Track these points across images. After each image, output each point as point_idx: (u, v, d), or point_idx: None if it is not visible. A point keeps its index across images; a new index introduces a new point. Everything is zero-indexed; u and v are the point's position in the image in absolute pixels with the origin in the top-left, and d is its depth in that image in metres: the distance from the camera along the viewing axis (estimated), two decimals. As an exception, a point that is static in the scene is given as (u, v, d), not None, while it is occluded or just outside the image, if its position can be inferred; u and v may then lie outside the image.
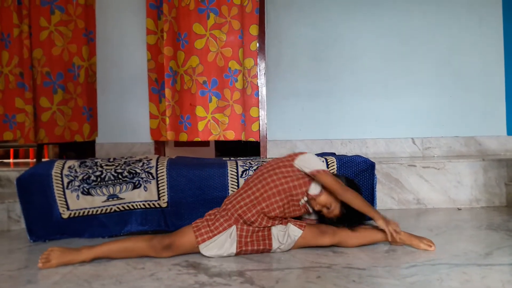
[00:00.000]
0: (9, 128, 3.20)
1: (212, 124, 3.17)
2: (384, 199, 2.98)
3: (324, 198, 1.93)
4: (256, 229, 1.88)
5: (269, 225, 1.90)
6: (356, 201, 1.88)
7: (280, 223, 1.93)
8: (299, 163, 1.94)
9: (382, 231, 1.96)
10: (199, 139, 3.19)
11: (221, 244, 1.84)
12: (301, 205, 1.95)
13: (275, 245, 1.91)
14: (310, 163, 1.92)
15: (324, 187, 1.93)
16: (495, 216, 2.68)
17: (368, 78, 3.60)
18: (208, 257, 1.85)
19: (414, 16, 3.62)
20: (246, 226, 1.87)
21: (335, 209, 1.94)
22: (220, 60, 3.16)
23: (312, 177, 1.93)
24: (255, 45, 3.16)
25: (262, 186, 1.91)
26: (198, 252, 1.86)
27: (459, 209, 2.93)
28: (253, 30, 3.14)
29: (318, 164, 1.93)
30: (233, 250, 1.85)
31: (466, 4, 3.62)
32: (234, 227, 1.86)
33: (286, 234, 1.91)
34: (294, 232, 1.92)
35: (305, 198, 1.94)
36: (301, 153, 2.00)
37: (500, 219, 2.58)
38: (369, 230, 2.00)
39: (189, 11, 3.15)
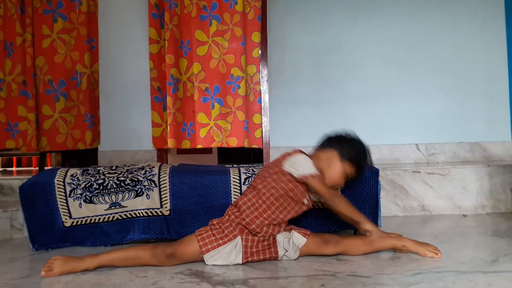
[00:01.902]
0: (12, 136, 3.21)
1: (215, 130, 3.16)
2: (389, 206, 2.96)
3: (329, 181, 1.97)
4: (262, 238, 1.87)
5: (274, 233, 1.89)
6: (343, 206, 1.90)
7: (285, 230, 1.92)
8: (287, 166, 1.93)
9: (388, 238, 1.94)
10: (202, 146, 3.18)
11: (226, 256, 1.83)
12: (306, 203, 1.95)
13: (280, 252, 1.89)
14: (299, 166, 1.91)
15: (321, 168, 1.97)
16: (501, 222, 2.65)
17: (371, 84, 3.59)
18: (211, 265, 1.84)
19: (416, 22, 3.61)
20: (251, 236, 1.86)
21: (341, 185, 2.01)
22: (222, 67, 3.16)
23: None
24: (257, 52, 3.16)
25: (263, 194, 1.90)
26: (202, 261, 1.85)
27: (464, 215, 2.91)
28: (255, 37, 3.15)
29: (307, 168, 1.91)
30: (239, 261, 1.84)
31: (468, 9, 3.61)
32: (239, 238, 1.84)
33: (290, 241, 1.90)
34: (298, 239, 1.90)
35: (307, 198, 1.94)
36: (291, 154, 1.99)
37: (506, 225, 2.55)
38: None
39: (191, 19, 3.15)
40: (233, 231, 1.85)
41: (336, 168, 1.98)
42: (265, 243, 1.88)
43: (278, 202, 1.89)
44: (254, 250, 1.86)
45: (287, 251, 1.89)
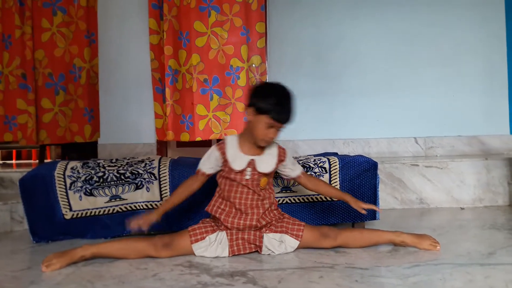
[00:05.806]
0: (9, 130, 3.20)
1: (213, 122, 3.16)
2: (387, 199, 2.97)
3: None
4: (246, 233, 1.90)
5: (254, 222, 1.89)
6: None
7: (271, 231, 1.92)
8: None
9: (387, 233, 1.95)
10: (200, 139, 3.18)
11: (214, 248, 1.86)
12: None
13: (265, 252, 1.91)
14: None
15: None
16: (499, 215, 2.67)
17: (370, 78, 3.59)
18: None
19: (417, 17, 3.61)
20: (236, 231, 1.90)
21: (271, 137, 1.99)
22: (221, 58, 3.15)
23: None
24: (262, 42, 3.14)
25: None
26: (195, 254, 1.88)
27: (462, 208, 2.93)
28: (260, 27, 3.13)
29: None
30: (225, 254, 1.88)
31: (469, 4, 3.61)
32: (224, 232, 1.90)
33: (282, 245, 1.90)
34: (290, 243, 1.91)
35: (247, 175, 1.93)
36: None
37: (503, 218, 2.57)
38: (373, 232, 2.00)
39: (190, 9, 3.13)
40: (220, 226, 1.91)
41: (255, 124, 1.89)
42: (252, 237, 1.90)
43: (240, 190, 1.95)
44: (240, 241, 1.89)
45: (273, 252, 1.90)
